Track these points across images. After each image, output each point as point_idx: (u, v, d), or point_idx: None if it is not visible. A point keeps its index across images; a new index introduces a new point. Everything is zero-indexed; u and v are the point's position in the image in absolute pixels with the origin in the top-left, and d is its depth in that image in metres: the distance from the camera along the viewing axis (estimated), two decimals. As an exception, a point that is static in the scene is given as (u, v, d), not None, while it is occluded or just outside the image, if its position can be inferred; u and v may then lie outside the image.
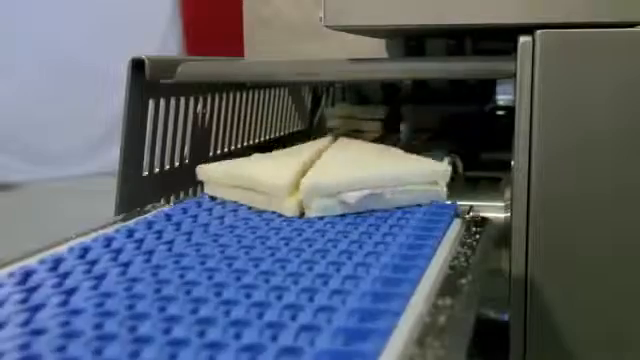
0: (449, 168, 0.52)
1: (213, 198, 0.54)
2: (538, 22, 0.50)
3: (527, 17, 0.51)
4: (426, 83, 1.01)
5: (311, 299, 0.32)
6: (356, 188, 0.49)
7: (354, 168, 0.53)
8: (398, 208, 0.50)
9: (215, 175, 0.55)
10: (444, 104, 0.97)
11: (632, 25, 0.49)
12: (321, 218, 0.48)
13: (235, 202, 0.53)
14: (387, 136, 0.92)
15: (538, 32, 0.49)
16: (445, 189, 0.52)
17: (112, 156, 1.28)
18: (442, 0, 0.52)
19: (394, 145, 0.75)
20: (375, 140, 0.85)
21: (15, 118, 2.25)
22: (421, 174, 0.52)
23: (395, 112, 0.97)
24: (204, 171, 0.56)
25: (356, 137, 0.90)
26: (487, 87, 1.07)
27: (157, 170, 0.61)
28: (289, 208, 0.48)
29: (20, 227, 1.59)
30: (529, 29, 0.50)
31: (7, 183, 2.16)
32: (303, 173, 0.51)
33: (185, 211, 0.50)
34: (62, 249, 0.41)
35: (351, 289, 0.33)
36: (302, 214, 0.49)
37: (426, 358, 0.26)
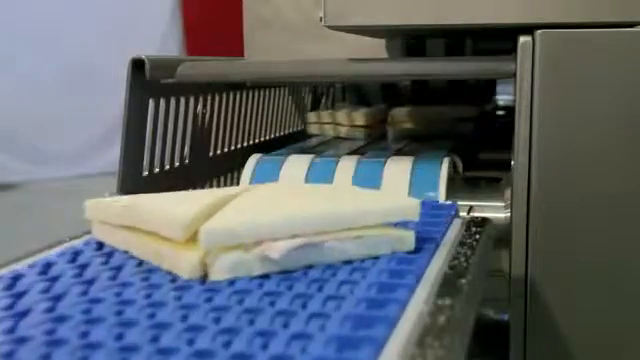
0: (419, 205, 0.39)
1: (101, 245, 0.41)
2: (538, 22, 0.50)
3: (527, 17, 0.51)
4: (424, 83, 1.00)
5: None
6: (283, 236, 0.34)
7: (280, 207, 0.38)
8: (346, 262, 0.36)
9: (104, 213, 0.41)
10: (442, 105, 0.97)
11: (632, 25, 0.49)
12: (231, 282, 0.33)
13: (126, 252, 0.39)
14: (373, 143, 0.85)
15: (538, 32, 0.49)
16: (414, 233, 0.39)
17: (112, 156, 1.28)
18: (442, 0, 0.52)
19: (383, 151, 0.73)
20: (358, 148, 0.81)
21: (15, 118, 2.25)
22: (379, 213, 0.38)
23: (384, 116, 0.91)
24: (92, 207, 0.42)
25: (338, 144, 0.85)
26: (487, 87, 1.07)
27: (157, 170, 0.61)
28: (185, 267, 0.34)
29: (19, 227, 1.59)
30: (529, 29, 0.50)
31: (7, 183, 2.16)
32: (210, 215, 0.36)
33: (48, 267, 0.37)
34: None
35: None
36: (206, 275, 0.34)
37: (426, 358, 0.26)
